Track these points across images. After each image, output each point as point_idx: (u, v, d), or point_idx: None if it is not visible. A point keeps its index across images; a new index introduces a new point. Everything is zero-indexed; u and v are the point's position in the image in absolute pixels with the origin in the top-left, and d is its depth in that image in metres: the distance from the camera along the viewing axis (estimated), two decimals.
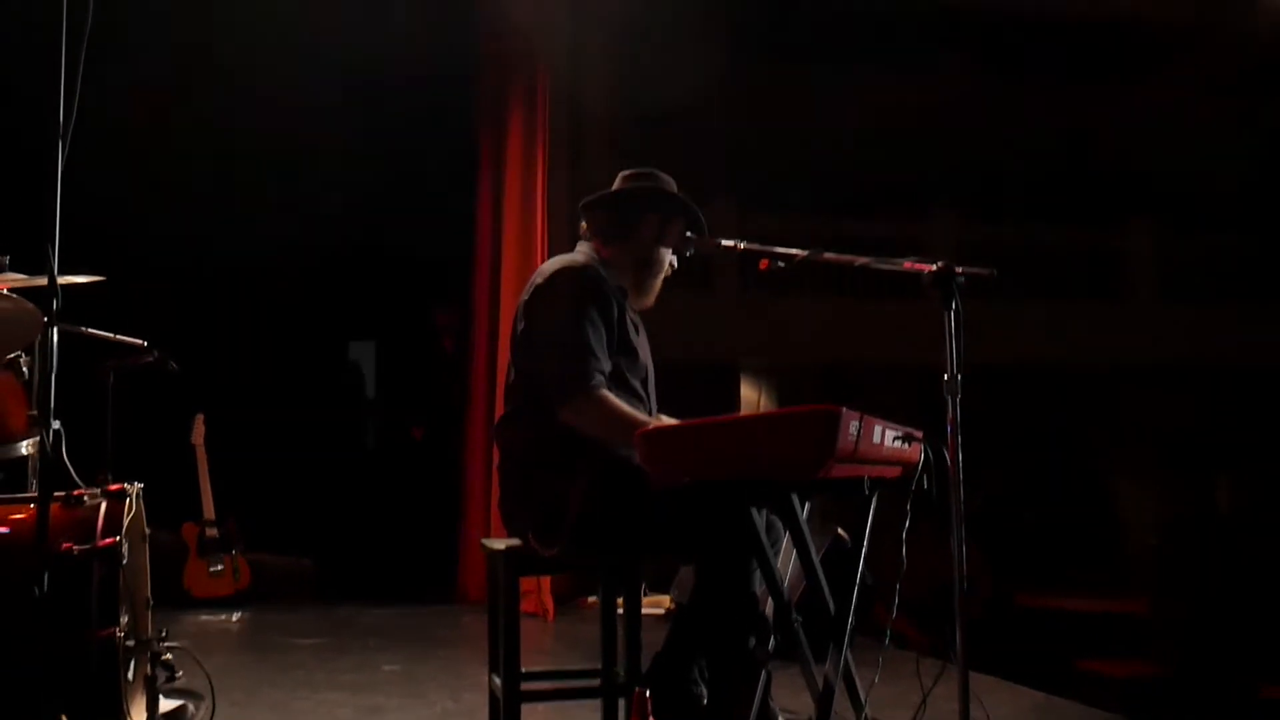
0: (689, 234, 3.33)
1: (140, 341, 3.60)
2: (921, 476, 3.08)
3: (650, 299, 3.36)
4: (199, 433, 6.61)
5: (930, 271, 2.76)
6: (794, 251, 3.12)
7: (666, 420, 3.19)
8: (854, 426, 2.45)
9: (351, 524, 7.69)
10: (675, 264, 3.39)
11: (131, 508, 2.89)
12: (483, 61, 7.36)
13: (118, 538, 2.73)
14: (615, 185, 3.41)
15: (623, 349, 3.17)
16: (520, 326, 3.18)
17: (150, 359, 3.76)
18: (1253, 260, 11.32)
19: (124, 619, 2.78)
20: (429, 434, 8.17)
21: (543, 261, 6.91)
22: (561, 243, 7.18)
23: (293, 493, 7.83)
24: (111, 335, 3.43)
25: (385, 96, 8.65)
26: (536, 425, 3.11)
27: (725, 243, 3.25)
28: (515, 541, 3.19)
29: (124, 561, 2.77)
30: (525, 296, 3.19)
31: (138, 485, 3.01)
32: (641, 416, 3.04)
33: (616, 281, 3.26)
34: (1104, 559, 9.79)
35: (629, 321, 3.22)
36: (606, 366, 3.05)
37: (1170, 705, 6.33)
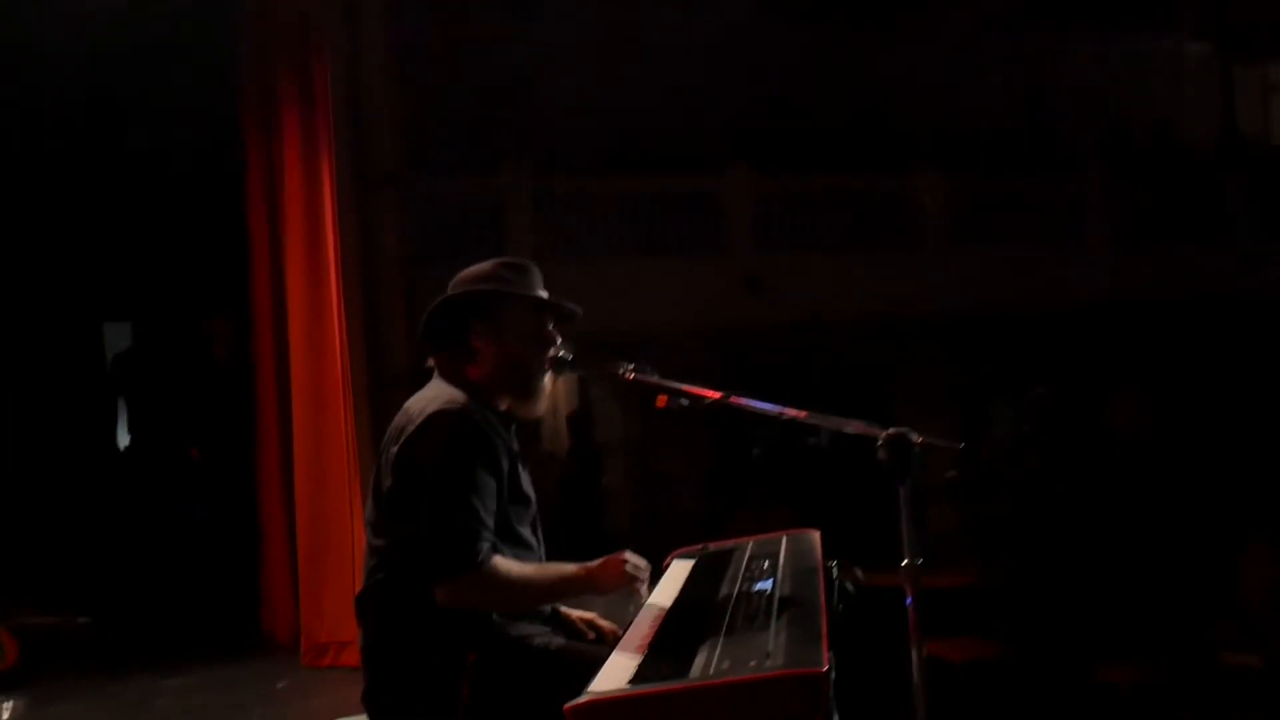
0: (563, 355, 2.83)
1: None
2: (837, 605, 2.75)
3: (538, 404, 2.84)
4: None
5: (884, 438, 2.34)
6: (704, 392, 2.66)
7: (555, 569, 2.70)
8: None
9: (129, 565, 6.89)
10: (564, 350, 2.86)
11: None
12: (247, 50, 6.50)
13: None
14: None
15: (514, 497, 2.68)
16: (387, 484, 2.62)
17: None
18: (1031, 203, 11.59)
19: None
20: (206, 452, 7.37)
21: (337, 266, 6.24)
22: (353, 237, 6.45)
23: (56, 535, 6.95)
24: None
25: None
26: (413, 601, 2.59)
27: (617, 369, 2.78)
28: None
29: None
30: (395, 447, 2.62)
31: None
32: (533, 573, 2.64)
33: (500, 409, 2.75)
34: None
35: (518, 466, 2.72)
36: (492, 531, 2.56)
37: (1010, 690, 6.28)
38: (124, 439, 8.63)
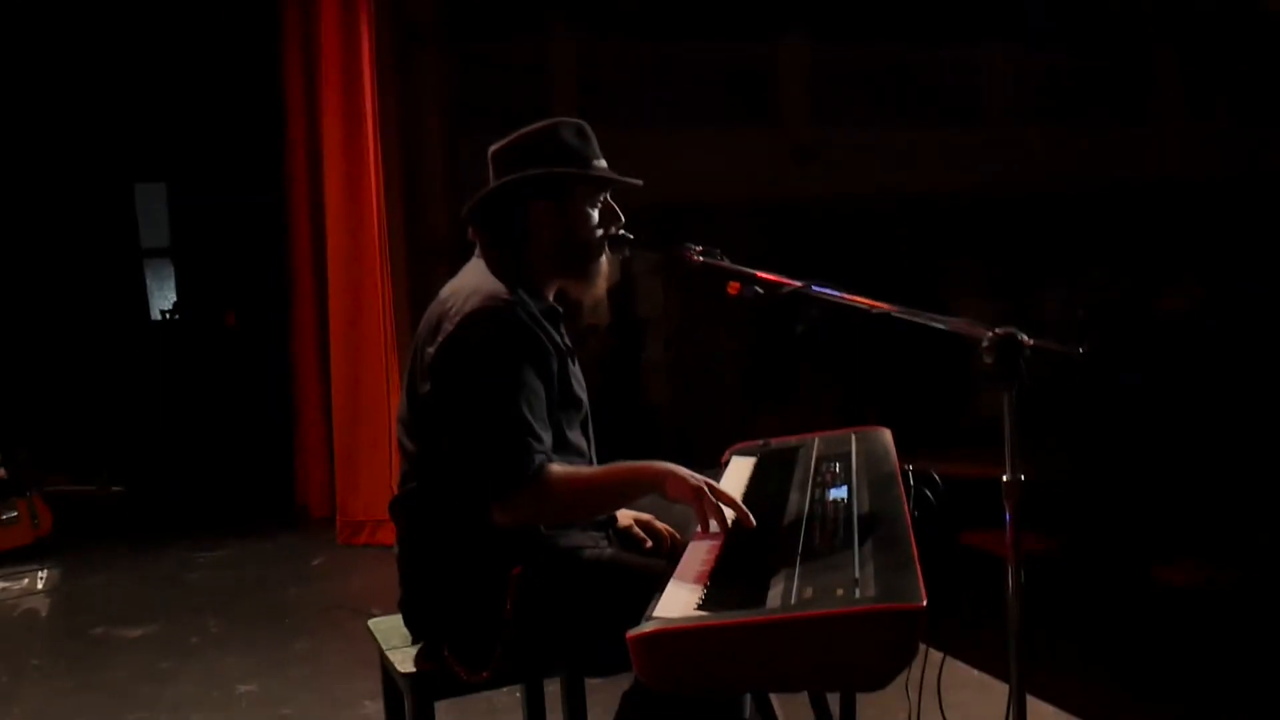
0: (621, 232, 2.55)
1: None
2: (914, 512, 2.51)
3: (600, 282, 2.55)
4: None
5: (990, 339, 2.06)
6: (780, 280, 2.39)
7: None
8: None
9: (164, 433, 6.74)
10: (620, 216, 2.54)
11: None
12: None
13: None
14: (490, 170, 2.54)
15: (564, 402, 2.42)
16: (424, 388, 2.37)
17: None
18: (1097, 77, 11.03)
19: None
20: (243, 319, 7.17)
21: (375, 130, 5.93)
22: (393, 99, 6.12)
23: (91, 401, 6.81)
24: None
25: None
26: (449, 511, 2.37)
27: (682, 251, 2.50)
28: (418, 647, 2.49)
29: None
30: (430, 347, 2.35)
31: None
32: (594, 478, 2.36)
33: (546, 302, 2.48)
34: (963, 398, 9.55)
35: (568, 364, 2.46)
36: (548, 439, 2.31)
37: (1061, 585, 6.06)
38: (156, 304, 8.47)
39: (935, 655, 2.56)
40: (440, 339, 2.32)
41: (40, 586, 5.15)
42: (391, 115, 5.96)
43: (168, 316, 8.02)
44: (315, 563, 5.42)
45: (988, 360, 2.06)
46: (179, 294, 8.51)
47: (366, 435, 5.74)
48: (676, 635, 1.76)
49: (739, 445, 3.04)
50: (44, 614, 4.89)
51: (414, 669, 2.42)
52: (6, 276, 7.41)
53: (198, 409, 7.09)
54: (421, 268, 6.00)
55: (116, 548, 5.70)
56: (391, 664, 2.49)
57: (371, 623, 2.67)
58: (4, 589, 5.10)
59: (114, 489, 6.49)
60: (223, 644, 4.32)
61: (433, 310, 2.42)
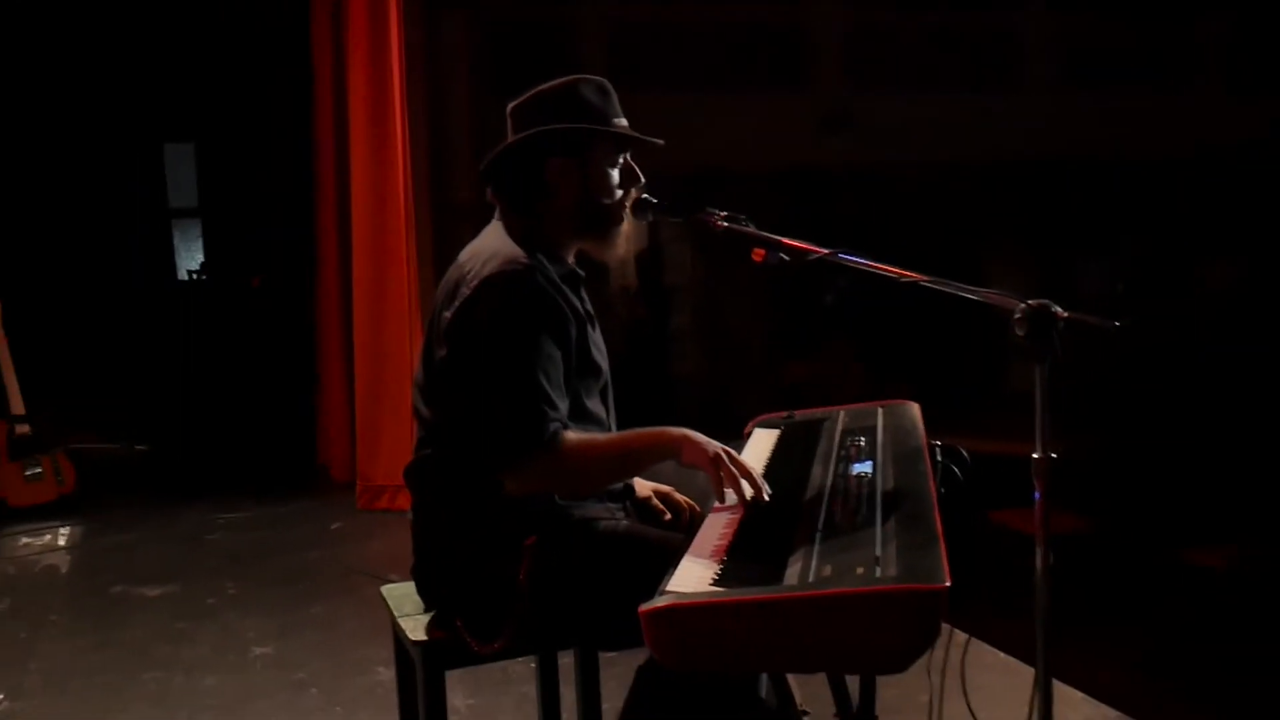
0: (647, 197, 2.48)
1: None
2: (940, 489, 2.43)
3: (618, 246, 2.46)
4: None
5: (1022, 311, 1.97)
6: (807, 247, 2.31)
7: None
8: None
9: (188, 394, 6.73)
10: (640, 177, 2.47)
11: None
12: None
13: None
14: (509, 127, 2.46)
15: (582, 370, 2.36)
16: (440, 353, 2.31)
17: None
18: (1139, 45, 10.83)
19: None
20: (269, 280, 7.14)
21: (402, 91, 5.86)
22: (420, 61, 6.06)
23: (117, 360, 6.80)
24: None
25: None
26: (464, 478, 2.31)
27: (706, 216, 2.43)
28: (430, 615, 2.44)
29: None
30: (447, 312, 2.29)
31: None
32: (608, 447, 2.28)
33: (567, 265, 2.41)
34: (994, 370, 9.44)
35: (587, 330, 2.39)
36: (564, 407, 2.25)
37: (1090, 567, 5.98)
38: (184, 264, 8.47)
39: (959, 637, 2.51)
40: (457, 303, 2.26)
41: (62, 543, 5.16)
42: (418, 77, 5.90)
43: (195, 277, 8.01)
44: (334, 527, 5.40)
45: (1020, 333, 1.98)
46: (206, 255, 8.50)
47: (388, 400, 5.71)
48: (689, 611, 1.70)
49: (763, 417, 2.97)
50: (64, 570, 4.90)
51: (425, 637, 2.38)
52: (36, 234, 7.41)
53: (223, 370, 7.07)
54: (447, 231, 5.95)
55: (139, 507, 5.71)
56: (403, 631, 2.45)
57: (385, 589, 2.63)
58: (26, 544, 5.12)
59: (138, 448, 6.50)
60: (240, 606, 4.31)
61: (451, 274, 2.36)
